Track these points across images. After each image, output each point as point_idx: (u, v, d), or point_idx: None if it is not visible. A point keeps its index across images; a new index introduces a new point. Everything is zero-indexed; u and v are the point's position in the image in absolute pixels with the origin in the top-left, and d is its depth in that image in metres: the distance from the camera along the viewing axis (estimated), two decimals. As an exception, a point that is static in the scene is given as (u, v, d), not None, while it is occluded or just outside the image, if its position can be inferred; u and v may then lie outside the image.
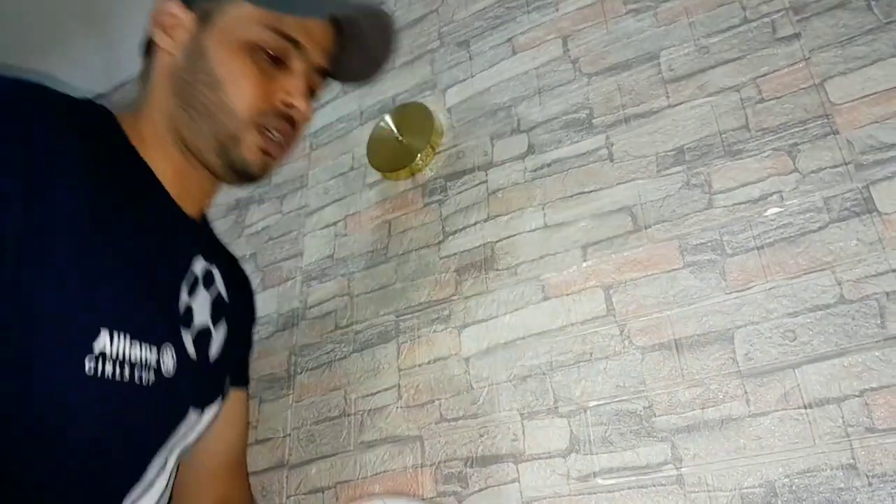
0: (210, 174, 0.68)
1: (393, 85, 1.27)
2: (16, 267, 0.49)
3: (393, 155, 1.16)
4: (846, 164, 0.79)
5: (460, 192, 1.09)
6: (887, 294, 0.71)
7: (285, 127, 0.67)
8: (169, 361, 0.61)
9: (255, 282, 1.26)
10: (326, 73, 0.71)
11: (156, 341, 0.59)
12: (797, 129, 0.84)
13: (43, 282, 0.50)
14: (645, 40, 1.01)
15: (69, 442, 0.54)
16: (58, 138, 0.54)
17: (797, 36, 0.89)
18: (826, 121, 0.82)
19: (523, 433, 0.86)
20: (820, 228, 0.78)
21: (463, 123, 1.14)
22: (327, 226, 1.23)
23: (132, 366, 0.55)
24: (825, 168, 0.80)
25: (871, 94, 0.81)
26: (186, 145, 0.66)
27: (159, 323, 0.61)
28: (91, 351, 0.51)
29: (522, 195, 1.02)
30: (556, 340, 0.89)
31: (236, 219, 1.38)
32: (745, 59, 0.91)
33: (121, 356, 0.54)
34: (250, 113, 0.64)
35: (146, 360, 0.57)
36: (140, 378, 0.56)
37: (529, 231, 0.99)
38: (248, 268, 1.28)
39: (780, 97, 0.87)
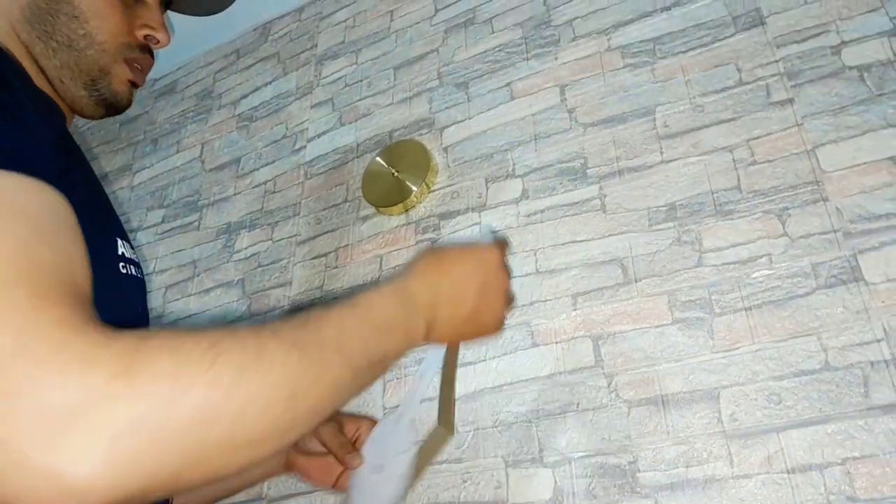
0: (67, 106, 0.68)
1: (391, 120, 1.28)
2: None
3: (388, 190, 1.17)
4: (835, 231, 0.81)
5: (453, 232, 1.09)
6: (872, 363, 0.73)
7: (147, 59, 0.70)
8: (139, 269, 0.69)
9: (241, 308, 1.26)
10: (168, 4, 0.74)
11: (133, 249, 0.67)
12: (788, 194, 0.86)
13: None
14: (641, 95, 1.03)
15: None
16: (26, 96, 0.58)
17: (791, 101, 0.91)
18: (816, 187, 0.84)
19: (507, 481, 0.86)
20: (807, 294, 0.79)
21: (459, 164, 1.15)
22: (318, 256, 1.23)
23: (134, 264, 0.64)
24: (814, 234, 0.82)
25: (860, 164, 0.83)
26: (47, 78, 0.66)
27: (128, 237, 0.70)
28: (118, 254, 0.60)
29: (515, 239, 1.03)
30: (544, 388, 0.90)
31: (225, 243, 1.38)
32: (739, 120, 0.94)
33: (128, 257, 0.62)
34: (117, 46, 0.66)
35: (136, 261, 0.65)
36: (139, 274, 0.65)
37: (521, 276, 0.99)
38: (234, 293, 1.28)
39: (772, 160, 0.89)
